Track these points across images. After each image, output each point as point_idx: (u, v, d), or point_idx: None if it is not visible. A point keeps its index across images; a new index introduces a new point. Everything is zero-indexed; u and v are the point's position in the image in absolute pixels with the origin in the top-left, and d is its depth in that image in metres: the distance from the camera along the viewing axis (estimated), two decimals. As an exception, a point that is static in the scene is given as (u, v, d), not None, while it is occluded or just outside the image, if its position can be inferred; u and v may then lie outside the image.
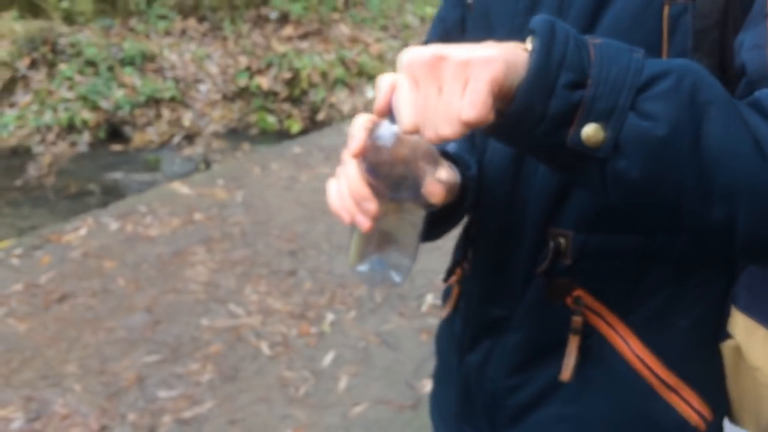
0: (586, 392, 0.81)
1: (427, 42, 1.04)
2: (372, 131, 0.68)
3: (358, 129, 0.69)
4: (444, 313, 0.97)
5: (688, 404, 0.79)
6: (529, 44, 0.61)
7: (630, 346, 0.78)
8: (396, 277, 0.74)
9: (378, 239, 0.73)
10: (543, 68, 0.58)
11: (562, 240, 0.78)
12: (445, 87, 0.59)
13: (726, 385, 0.82)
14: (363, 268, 0.74)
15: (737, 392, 0.81)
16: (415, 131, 0.61)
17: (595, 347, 0.80)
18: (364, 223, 0.68)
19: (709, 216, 0.61)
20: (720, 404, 0.82)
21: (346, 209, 0.70)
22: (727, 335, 0.79)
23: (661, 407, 0.79)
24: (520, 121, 0.60)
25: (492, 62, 0.58)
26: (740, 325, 0.77)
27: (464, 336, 0.90)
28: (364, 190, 0.68)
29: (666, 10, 0.68)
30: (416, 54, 0.61)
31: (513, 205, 0.81)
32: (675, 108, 0.58)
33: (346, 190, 0.70)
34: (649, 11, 0.69)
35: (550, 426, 0.85)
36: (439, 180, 0.71)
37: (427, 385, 2.38)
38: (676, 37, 0.69)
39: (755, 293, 0.77)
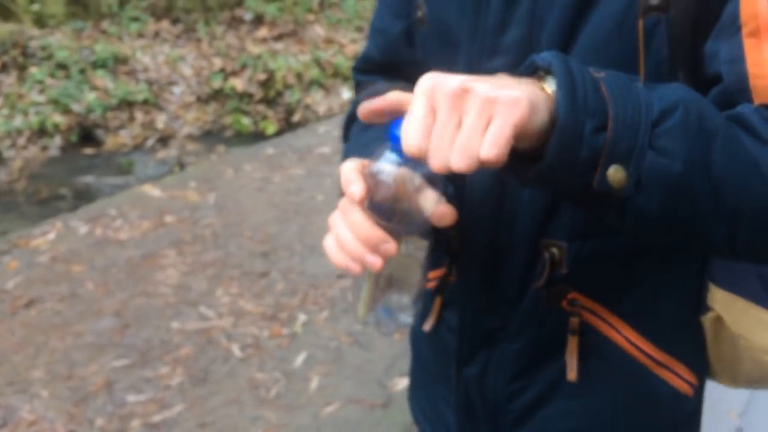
0: (588, 385, 0.84)
1: (367, 53, 1.01)
2: (369, 170, 0.67)
3: (351, 173, 0.67)
4: (427, 326, 0.96)
5: (679, 376, 0.85)
6: (548, 86, 0.60)
7: (623, 335, 0.82)
8: (407, 319, 0.73)
9: (382, 285, 0.71)
10: (572, 119, 0.58)
11: (555, 250, 0.79)
12: (467, 121, 0.58)
13: (706, 351, 0.89)
14: (370, 320, 0.73)
15: (716, 356, 0.89)
16: (420, 156, 0.60)
17: (592, 342, 0.83)
18: (377, 263, 0.67)
19: (715, 234, 0.64)
20: (703, 370, 0.90)
21: (354, 258, 0.68)
22: (707, 308, 0.85)
23: (656, 384, 0.84)
24: (550, 172, 0.60)
25: (519, 104, 0.57)
26: (719, 299, 0.83)
27: (460, 350, 0.90)
28: (379, 233, 0.67)
29: (641, 23, 0.69)
30: (441, 81, 0.59)
31: (500, 222, 0.81)
32: (688, 142, 0.60)
33: (351, 239, 0.68)
34: (625, 25, 0.70)
35: (557, 422, 0.88)
36: (446, 202, 0.70)
37: (399, 384, 2.38)
38: (651, 48, 0.70)
39: (728, 268, 0.83)
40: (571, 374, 0.82)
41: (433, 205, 0.68)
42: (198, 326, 2.65)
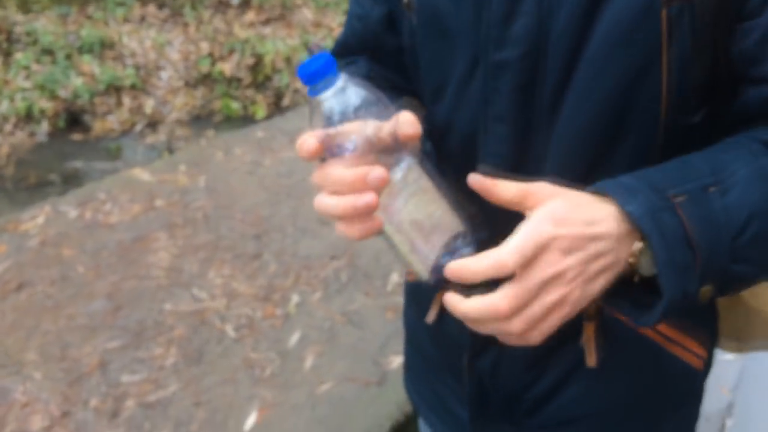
0: (603, 369, 0.85)
1: (344, 39, 0.96)
2: (317, 126, 0.63)
3: (300, 139, 0.65)
4: (431, 317, 0.94)
5: (690, 351, 0.87)
6: (640, 247, 0.64)
7: None
8: (469, 249, 0.67)
9: (417, 235, 0.65)
10: (676, 294, 0.63)
11: None
12: (548, 301, 0.63)
13: (718, 324, 0.92)
14: (436, 274, 0.66)
15: (728, 328, 0.93)
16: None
17: (606, 325, 0.83)
18: (370, 197, 0.62)
19: None
20: (712, 343, 0.92)
21: (354, 213, 0.63)
22: None
23: (669, 360, 0.87)
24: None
25: (588, 299, 0.65)
26: None
27: (473, 344, 0.89)
28: (359, 169, 0.62)
29: (664, 12, 0.67)
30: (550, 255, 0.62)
31: (513, 216, 0.81)
32: (762, 247, 0.64)
33: (342, 202, 0.63)
34: (649, 15, 0.67)
35: (574, 407, 0.89)
36: (403, 112, 0.67)
37: (394, 362, 2.38)
38: (675, 39, 0.68)
39: None
40: (591, 361, 0.83)
41: (392, 121, 0.65)
42: (191, 308, 2.65)
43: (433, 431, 1.08)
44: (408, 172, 0.64)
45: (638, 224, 0.63)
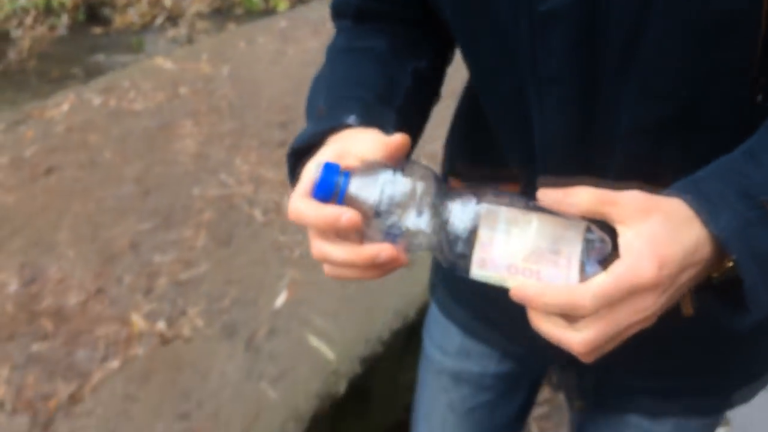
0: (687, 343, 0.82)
1: None
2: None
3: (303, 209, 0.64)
4: None
5: None
6: (730, 263, 0.58)
7: None
8: (601, 243, 0.61)
9: (544, 264, 0.59)
10: (762, 311, 0.59)
11: None
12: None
13: None
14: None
15: None
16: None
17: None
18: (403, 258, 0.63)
19: None
20: None
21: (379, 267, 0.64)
22: None
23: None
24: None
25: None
26: None
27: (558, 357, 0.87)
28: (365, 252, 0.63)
29: None
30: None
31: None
32: None
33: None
34: None
35: (660, 377, 0.88)
36: (390, 137, 0.65)
37: (422, 245, 2.37)
38: None
39: None
40: (687, 309, 0.76)
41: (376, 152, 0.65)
42: (219, 193, 2.64)
43: (482, 345, 1.08)
44: (479, 217, 0.58)
45: (727, 245, 0.55)
